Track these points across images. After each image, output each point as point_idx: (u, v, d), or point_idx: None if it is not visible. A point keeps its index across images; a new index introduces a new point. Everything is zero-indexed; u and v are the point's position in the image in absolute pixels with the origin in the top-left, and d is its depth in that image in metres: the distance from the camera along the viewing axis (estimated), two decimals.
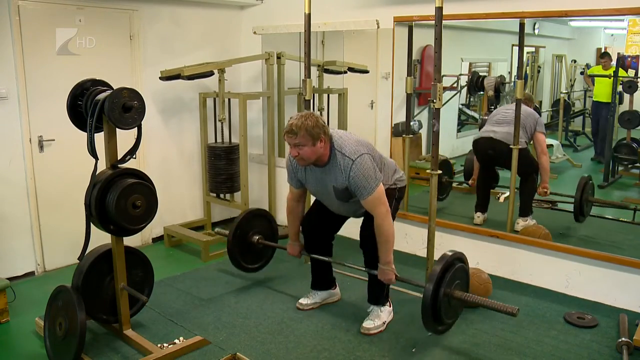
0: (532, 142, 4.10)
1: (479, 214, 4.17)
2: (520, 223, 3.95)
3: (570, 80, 5.78)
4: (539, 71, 5.67)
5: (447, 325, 2.76)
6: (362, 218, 3.01)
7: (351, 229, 3.26)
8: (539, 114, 4.62)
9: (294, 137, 2.68)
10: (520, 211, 4.01)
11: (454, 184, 4.79)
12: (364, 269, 3.00)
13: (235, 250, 3.49)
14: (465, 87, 5.09)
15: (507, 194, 4.04)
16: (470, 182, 4.51)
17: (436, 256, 3.18)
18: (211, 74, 4.31)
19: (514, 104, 3.94)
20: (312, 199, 3.32)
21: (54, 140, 3.90)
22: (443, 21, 2.83)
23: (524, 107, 3.91)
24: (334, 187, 2.82)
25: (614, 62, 4.96)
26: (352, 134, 2.87)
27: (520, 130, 3.89)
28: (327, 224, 3.18)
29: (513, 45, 4.58)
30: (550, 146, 5.30)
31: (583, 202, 3.94)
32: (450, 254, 2.69)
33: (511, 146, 3.87)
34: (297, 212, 3.18)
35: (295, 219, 3.19)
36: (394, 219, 2.88)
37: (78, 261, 2.82)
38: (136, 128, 2.72)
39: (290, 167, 2.99)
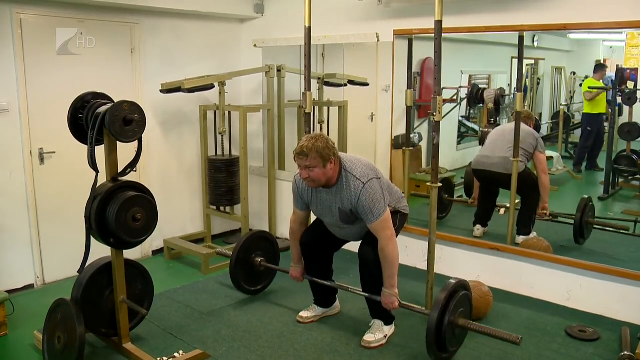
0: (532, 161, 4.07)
1: (478, 226, 4.16)
2: (521, 238, 3.95)
3: (570, 92, 5.80)
4: (538, 83, 5.69)
5: (451, 353, 2.75)
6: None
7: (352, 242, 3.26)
8: (539, 126, 4.63)
9: (305, 159, 2.71)
10: (519, 229, 3.97)
11: (455, 198, 4.78)
12: (366, 295, 2.97)
13: (238, 272, 3.51)
14: (465, 100, 5.11)
15: (508, 206, 4.04)
16: (470, 200, 4.50)
17: (437, 269, 3.18)
18: (212, 86, 4.33)
19: (511, 123, 3.92)
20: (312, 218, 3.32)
21: (54, 152, 3.91)
22: (443, 34, 2.85)
23: (522, 127, 3.88)
24: (340, 209, 2.84)
25: (611, 73, 4.98)
26: (360, 157, 2.90)
27: (520, 151, 3.86)
28: (327, 242, 3.17)
29: (513, 57, 4.61)
30: (550, 158, 5.31)
31: (583, 224, 3.93)
32: (454, 281, 2.70)
33: (510, 168, 3.84)
34: (300, 236, 3.17)
35: (299, 242, 3.18)
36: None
37: (78, 274, 2.82)
38: (137, 141, 2.73)
39: (296, 189, 3.00)
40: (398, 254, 2.81)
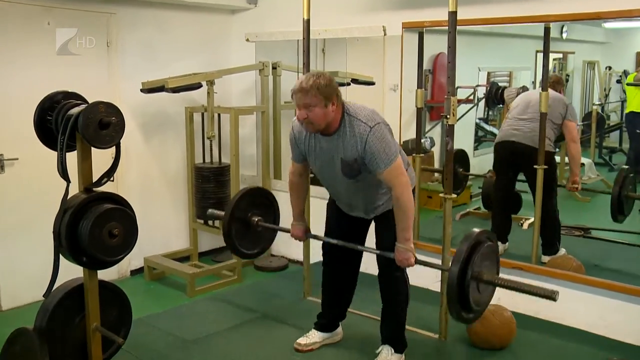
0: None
1: (499, 242, 4.13)
2: (548, 257, 3.92)
3: (605, 90, 5.76)
4: (567, 80, 5.68)
5: (476, 313, 2.67)
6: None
7: (367, 263, 3.25)
8: None
9: (304, 96, 2.65)
10: (545, 249, 3.94)
11: (472, 209, 4.77)
12: (379, 252, 2.94)
13: (232, 232, 3.37)
14: (483, 100, 5.12)
15: (532, 219, 4.02)
16: (489, 174, 4.43)
17: None
18: (199, 86, 4.35)
19: (539, 89, 3.86)
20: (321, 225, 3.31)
21: (17, 159, 3.90)
22: (457, 27, 2.86)
23: (551, 93, 3.83)
24: (342, 159, 2.79)
25: None
26: (365, 105, 2.88)
27: (547, 123, 3.80)
28: (348, 256, 3.15)
29: (537, 51, 4.61)
30: (581, 165, 5.30)
31: (622, 198, 3.87)
32: (477, 231, 2.62)
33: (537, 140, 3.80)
34: (300, 189, 3.16)
35: (299, 197, 3.17)
36: None
37: (43, 298, 2.79)
38: (114, 147, 2.73)
39: (293, 138, 2.98)
40: (413, 203, 2.77)
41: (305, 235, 3.24)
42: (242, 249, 3.45)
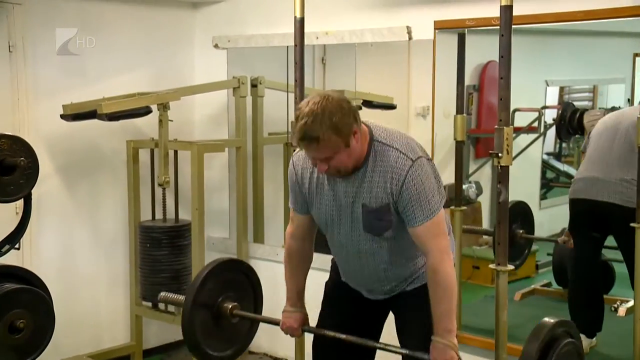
0: None
1: (582, 336, 4.09)
2: None
3: None
4: None
5: None
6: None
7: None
8: None
9: (316, 147, 2.62)
10: None
11: (538, 286, 4.71)
12: (405, 351, 2.85)
13: (196, 327, 3.25)
14: (553, 127, 5.13)
15: (631, 302, 3.98)
16: (562, 238, 4.38)
17: None
18: (147, 111, 4.36)
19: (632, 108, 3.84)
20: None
21: None
22: (514, 26, 2.88)
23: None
24: (364, 206, 2.76)
25: None
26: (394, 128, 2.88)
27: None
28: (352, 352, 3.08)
29: (635, 55, 4.63)
30: None
31: None
32: (551, 322, 2.58)
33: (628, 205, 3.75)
34: (301, 259, 3.09)
35: (298, 271, 3.10)
36: None
37: None
38: (22, 199, 2.74)
39: (293, 177, 2.95)
40: (455, 280, 2.75)
41: (301, 327, 3.15)
42: (209, 350, 3.35)
